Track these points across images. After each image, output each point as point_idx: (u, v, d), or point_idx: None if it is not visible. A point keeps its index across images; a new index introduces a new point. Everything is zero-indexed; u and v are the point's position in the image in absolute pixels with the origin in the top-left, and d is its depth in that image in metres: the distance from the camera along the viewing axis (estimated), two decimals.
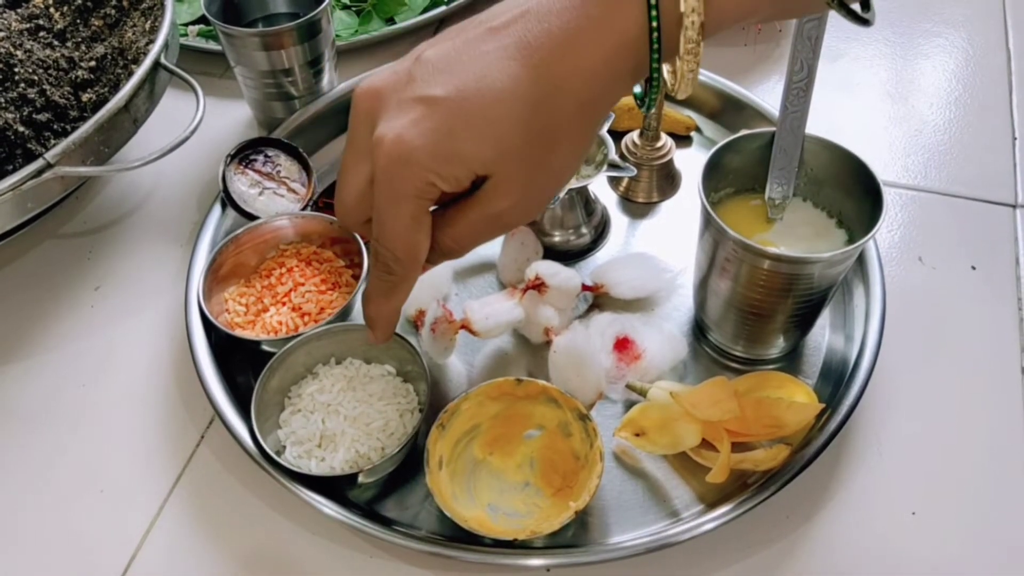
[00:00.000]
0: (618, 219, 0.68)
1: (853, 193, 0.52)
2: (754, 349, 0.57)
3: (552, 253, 0.63)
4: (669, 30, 0.36)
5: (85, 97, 0.65)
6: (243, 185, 0.64)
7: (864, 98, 0.78)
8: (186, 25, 0.84)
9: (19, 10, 0.68)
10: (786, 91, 0.51)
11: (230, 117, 0.78)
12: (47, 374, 0.60)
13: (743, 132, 0.54)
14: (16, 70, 0.61)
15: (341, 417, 0.51)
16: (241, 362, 0.58)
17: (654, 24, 0.36)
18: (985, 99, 0.76)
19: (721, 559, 0.50)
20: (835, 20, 0.39)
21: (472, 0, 0.86)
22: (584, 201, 0.65)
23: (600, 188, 0.69)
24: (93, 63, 0.67)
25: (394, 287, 0.43)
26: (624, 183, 0.70)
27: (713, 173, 0.53)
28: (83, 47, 0.68)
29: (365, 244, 0.58)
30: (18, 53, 0.62)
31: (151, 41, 0.66)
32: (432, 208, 0.41)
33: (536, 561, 0.48)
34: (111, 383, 0.59)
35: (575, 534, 0.50)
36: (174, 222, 0.70)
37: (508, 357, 0.59)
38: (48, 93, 0.62)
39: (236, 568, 0.50)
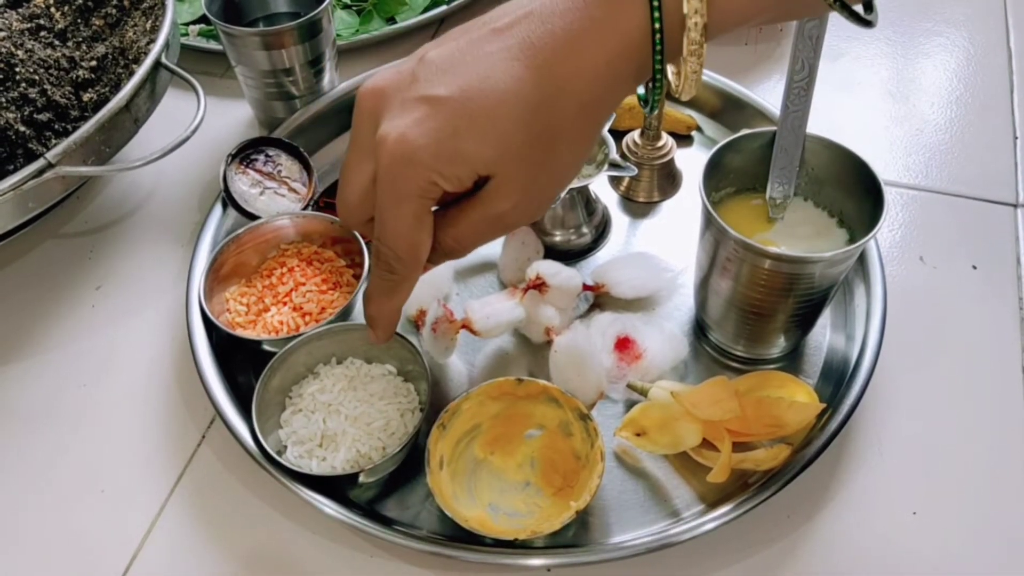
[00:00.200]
0: (619, 219, 0.68)
1: (854, 192, 0.52)
2: (755, 349, 0.57)
3: (553, 253, 0.63)
4: (672, 32, 0.36)
5: (86, 97, 0.65)
6: (244, 185, 0.64)
7: (865, 97, 0.78)
8: (187, 25, 0.84)
9: (20, 10, 0.68)
10: (787, 90, 0.51)
11: (231, 117, 0.78)
12: (48, 374, 0.60)
13: (744, 131, 0.54)
14: (17, 70, 0.61)
15: (342, 417, 0.51)
16: (242, 362, 0.58)
17: (657, 26, 0.36)
18: (986, 98, 0.76)
19: (722, 559, 0.50)
20: (836, 19, 0.39)
21: None
22: (585, 200, 0.65)
23: (601, 187, 0.69)
24: (94, 63, 0.67)
25: (395, 287, 0.43)
26: (625, 182, 0.70)
27: (714, 172, 0.53)
28: (84, 47, 0.68)
29: (366, 244, 0.58)
30: (19, 53, 0.62)
31: (152, 41, 0.66)
32: (434, 208, 0.41)
33: (537, 561, 0.48)
34: (112, 383, 0.59)
35: (576, 534, 0.50)
36: (175, 222, 0.70)
37: (509, 357, 0.59)
38: (49, 93, 0.62)
39: (237, 568, 0.50)
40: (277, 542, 0.51)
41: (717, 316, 0.56)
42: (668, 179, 0.70)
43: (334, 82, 0.74)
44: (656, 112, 0.67)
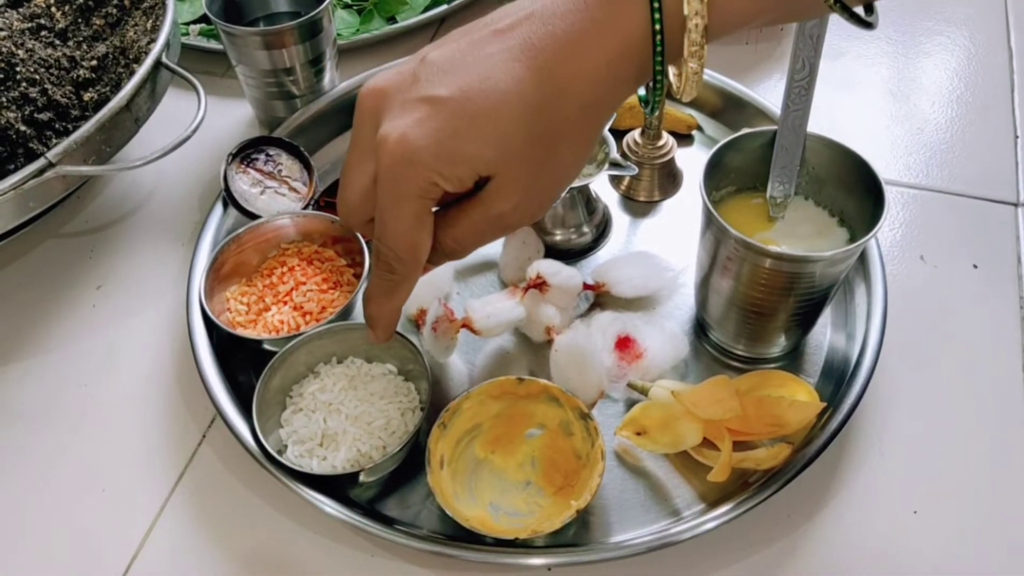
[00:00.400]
0: (619, 218, 0.68)
1: (855, 192, 0.52)
2: (755, 348, 0.57)
3: (553, 252, 0.63)
4: (672, 33, 0.36)
5: (87, 96, 0.65)
6: (245, 184, 0.64)
7: (866, 96, 0.78)
8: (187, 24, 0.84)
9: (20, 9, 0.68)
10: (788, 89, 0.51)
11: (231, 116, 0.78)
12: (49, 374, 0.60)
13: (744, 131, 0.54)
14: (18, 69, 0.61)
15: (343, 416, 0.51)
16: (242, 361, 0.58)
17: (657, 27, 0.36)
18: (987, 97, 0.76)
19: (722, 558, 0.50)
20: (837, 19, 0.39)
21: None
22: (585, 200, 0.65)
23: (601, 187, 0.69)
24: (95, 62, 0.67)
25: (395, 286, 0.43)
26: (625, 182, 0.70)
27: (714, 172, 0.53)
28: (84, 46, 0.68)
29: (367, 243, 0.58)
30: (20, 52, 0.62)
31: (152, 40, 0.66)
32: (435, 208, 0.41)
33: (537, 560, 0.48)
34: (113, 382, 0.59)
35: (576, 533, 0.50)
36: (176, 221, 0.70)
37: (509, 356, 0.59)
38: (50, 92, 0.62)
39: (238, 567, 0.50)
40: (278, 541, 0.51)
41: (718, 315, 0.56)
42: (669, 178, 0.70)
43: (335, 81, 0.74)
44: (657, 112, 0.67)
